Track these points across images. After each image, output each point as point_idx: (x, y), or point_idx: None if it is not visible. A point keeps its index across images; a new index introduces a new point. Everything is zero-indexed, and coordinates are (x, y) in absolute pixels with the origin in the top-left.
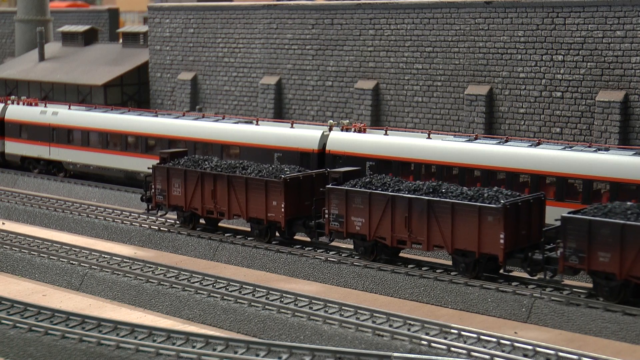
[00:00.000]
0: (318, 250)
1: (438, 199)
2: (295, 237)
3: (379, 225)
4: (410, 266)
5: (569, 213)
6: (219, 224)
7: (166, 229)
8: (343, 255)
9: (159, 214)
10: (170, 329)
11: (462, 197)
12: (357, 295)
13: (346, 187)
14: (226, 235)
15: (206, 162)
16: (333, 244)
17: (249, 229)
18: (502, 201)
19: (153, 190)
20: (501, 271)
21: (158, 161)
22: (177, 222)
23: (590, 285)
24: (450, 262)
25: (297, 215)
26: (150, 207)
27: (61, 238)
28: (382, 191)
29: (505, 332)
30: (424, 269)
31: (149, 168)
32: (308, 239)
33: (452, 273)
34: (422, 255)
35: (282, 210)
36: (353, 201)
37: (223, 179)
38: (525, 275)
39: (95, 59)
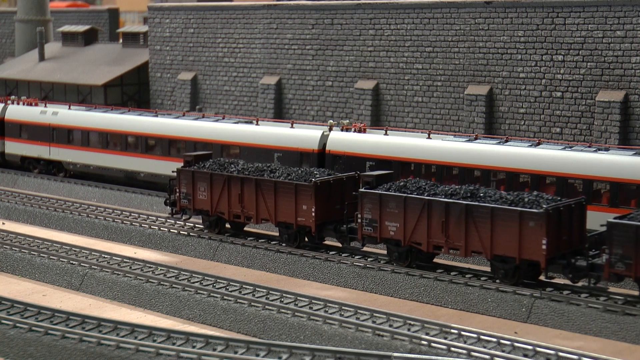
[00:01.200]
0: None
1: (477, 203)
2: (325, 242)
3: (414, 230)
4: (411, 266)
5: (615, 218)
6: (245, 229)
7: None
8: (369, 259)
9: (183, 218)
10: (170, 329)
11: (501, 202)
12: (357, 295)
13: (380, 191)
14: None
15: (232, 165)
16: (364, 249)
17: (274, 233)
18: (544, 206)
19: (177, 193)
20: (541, 277)
21: (182, 164)
22: (202, 226)
23: (636, 292)
24: (488, 268)
25: (327, 219)
26: (174, 211)
27: (61, 238)
28: (418, 195)
29: (505, 332)
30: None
31: (173, 172)
32: (338, 244)
33: (452, 273)
34: (458, 260)
35: (313, 214)
36: (387, 205)
37: (251, 183)
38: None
39: (95, 59)
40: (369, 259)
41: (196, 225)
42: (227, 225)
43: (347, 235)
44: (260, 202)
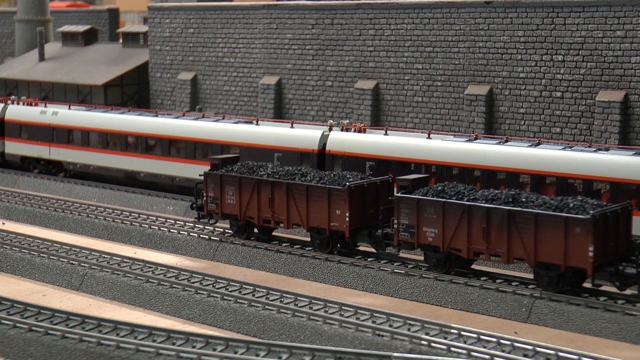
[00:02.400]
0: (382, 262)
1: (520, 209)
2: (359, 247)
3: (453, 236)
4: (410, 266)
5: None
6: (273, 233)
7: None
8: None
9: (210, 222)
10: (170, 329)
11: (545, 207)
12: (357, 295)
13: (417, 196)
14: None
15: (261, 169)
16: (400, 255)
17: (303, 238)
18: (590, 211)
19: (205, 198)
20: (585, 284)
21: (209, 167)
22: (230, 231)
23: None
24: (531, 275)
25: (361, 225)
26: (201, 216)
27: (61, 238)
28: (457, 200)
29: (505, 332)
30: (424, 269)
31: (200, 175)
32: (373, 250)
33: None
34: (497, 267)
35: (347, 219)
36: (425, 211)
37: (281, 187)
38: (527, 275)
39: (95, 59)
40: (383, 262)
41: (196, 226)
42: (255, 230)
43: (383, 241)
44: (291, 206)
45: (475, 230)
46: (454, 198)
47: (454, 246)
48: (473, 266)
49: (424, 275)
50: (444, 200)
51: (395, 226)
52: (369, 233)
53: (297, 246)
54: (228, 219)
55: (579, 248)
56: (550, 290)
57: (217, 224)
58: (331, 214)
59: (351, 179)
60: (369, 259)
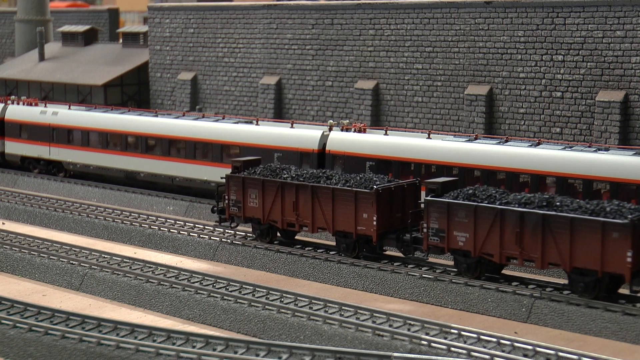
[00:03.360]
0: (347, 255)
1: (555, 213)
2: (386, 252)
3: (485, 241)
4: (410, 266)
5: None
6: (296, 237)
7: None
8: (424, 269)
9: (232, 226)
10: (170, 329)
11: (580, 212)
12: (357, 295)
13: (448, 200)
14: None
15: (284, 171)
16: (426, 259)
17: (326, 242)
18: (628, 216)
19: (227, 201)
20: (621, 290)
21: (231, 170)
22: (253, 235)
23: None
24: (565, 281)
25: (388, 228)
26: (222, 219)
27: (61, 238)
28: (489, 204)
29: (505, 332)
30: (424, 269)
31: (222, 178)
32: (400, 254)
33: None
34: (529, 272)
35: (374, 223)
36: (456, 215)
37: (306, 190)
38: (526, 274)
39: (95, 59)
40: (410, 266)
41: (196, 226)
42: (277, 234)
43: (411, 245)
44: (316, 210)
45: (508, 234)
46: (486, 202)
47: (486, 251)
48: (504, 271)
49: (424, 275)
50: (475, 204)
51: (425, 230)
52: (396, 237)
53: (321, 250)
54: (250, 222)
55: (616, 253)
56: (586, 296)
57: (238, 228)
58: (358, 217)
59: (378, 182)
60: (392, 262)
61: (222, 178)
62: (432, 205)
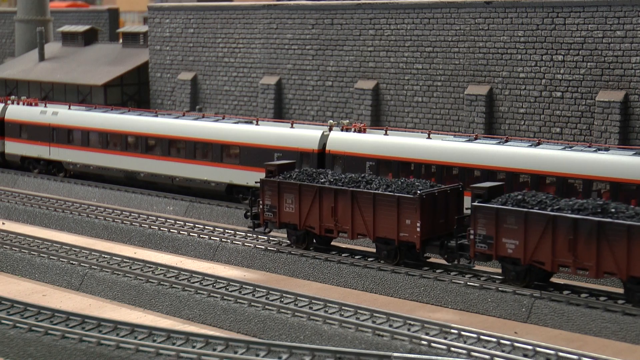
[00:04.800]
0: (346, 255)
1: (611, 220)
2: (428, 259)
3: (536, 248)
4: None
5: None
6: (332, 243)
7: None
8: (451, 273)
9: (266, 231)
10: (170, 329)
11: (638, 218)
12: (357, 295)
13: (496, 206)
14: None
15: (322, 176)
16: (473, 267)
17: (363, 248)
18: None
19: (261, 206)
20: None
21: (264, 174)
22: (289, 241)
23: None
24: (620, 290)
25: (432, 235)
26: (256, 225)
27: (61, 238)
28: (540, 210)
29: (505, 332)
30: (424, 268)
31: (256, 182)
32: (444, 262)
33: (451, 273)
34: (579, 280)
35: (418, 229)
36: (505, 221)
37: (346, 195)
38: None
39: (95, 59)
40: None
41: (196, 226)
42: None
43: (457, 252)
44: (356, 215)
45: (561, 242)
46: (537, 208)
47: (537, 258)
48: (553, 279)
49: (424, 275)
50: (526, 210)
51: (472, 237)
52: (440, 244)
53: (358, 257)
54: (286, 228)
55: None
56: None
57: (272, 233)
58: (400, 223)
59: (420, 187)
60: (436, 270)
61: (256, 182)
62: (480, 211)
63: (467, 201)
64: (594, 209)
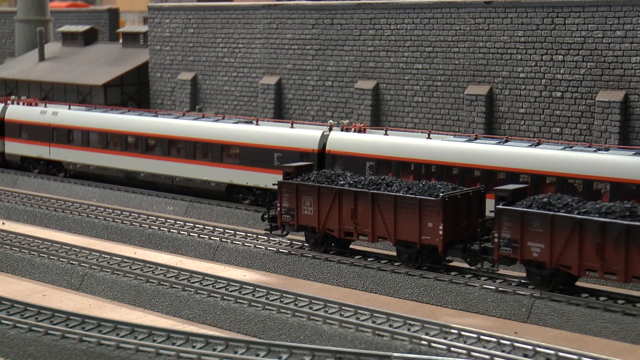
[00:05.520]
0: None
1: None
2: (450, 262)
3: (562, 252)
4: (370, 259)
5: None
6: (351, 246)
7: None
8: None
9: (283, 234)
10: (170, 329)
11: None
12: (357, 295)
13: (522, 208)
14: (372, 260)
15: (340, 178)
16: (497, 271)
17: (384, 251)
18: None
19: (278, 208)
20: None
21: (282, 176)
22: (306, 244)
23: None
24: None
25: (454, 238)
26: (273, 228)
27: (61, 238)
28: (566, 213)
29: (505, 332)
30: (423, 269)
31: (274, 184)
32: (466, 265)
33: (452, 273)
34: (610, 285)
35: (440, 232)
36: (530, 224)
37: (366, 197)
38: (524, 273)
39: (95, 59)
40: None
41: (196, 226)
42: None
43: (481, 255)
44: (377, 218)
45: (588, 245)
46: (563, 211)
47: (563, 262)
48: (578, 283)
49: (424, 275)
50: (552, 213)
51: (496, 240)
52: (463, 247)
53: (371, 259)
54: (304, 231)
55: None
56: None
57: (289, 236)
58: (422, 226)
59: (442, 189)
60: (464, 275)
61: (274, 185)
62: (504, 214)
63: (489, 204)
64: (621, 212)
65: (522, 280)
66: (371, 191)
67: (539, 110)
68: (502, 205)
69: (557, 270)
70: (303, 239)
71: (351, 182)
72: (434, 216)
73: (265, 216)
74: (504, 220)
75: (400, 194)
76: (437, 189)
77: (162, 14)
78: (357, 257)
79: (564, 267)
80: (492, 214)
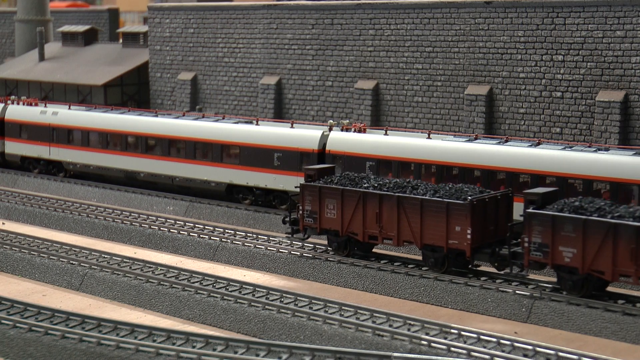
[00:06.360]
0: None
1: None
2: (478, 267)
3: (595, 257)
4: (410, 266)
5: None
6: (373, 250)
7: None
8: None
9: (305, 237)
10: (170, 329)
11: None
12: (357, 295)
13: (553, 212)
14: (396, 264)
15: (364, 180)
16: (527, 276)
17: (407, 255)
18: None
19: (300, 211)
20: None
21: (304, 178)
22: (329, 248)
23: None
24: None
25: (482, 242)
26: (295, 231)
27: (61, 238)
28: (599, 217)
29: (505, 332)
30: (423, 269)
31: (296, 187)
32: (494, 270)
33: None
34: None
35: (468, 236)
36: (562, 229)
37: (391, 200)
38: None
39: (95, 59)
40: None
41: (196, 226)
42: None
43: (510, 260)
44: (402, 222)
45: (622, 250)
46: (595, 215)
47: (596, 268)
48: (610, 289)
49: (424, 275)
50: (585, 217)
51: (527, 244)
52: (492, 251)
53: (398, 263)
54: (327, 234)
55: None
56: None
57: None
58: (450, 230)
59: (470, 193)
60: (495, 280)
61: (296, 187)
62: (535, 218)
63: (516, 207)
64: None
65: (554, 286)
66: (397, 194)
67: (539, 110)
68: (532, 209)
69: (589, 276)
70: (325, 242)
71: (375, 184)
72: (462, 220)
73: (287, 219)
74: (535, 225)
75: (427, 197)
76: (464, 192)
77: (162, 14)
78: (384, 261)
79: (596, 272)
80: (520, 218)
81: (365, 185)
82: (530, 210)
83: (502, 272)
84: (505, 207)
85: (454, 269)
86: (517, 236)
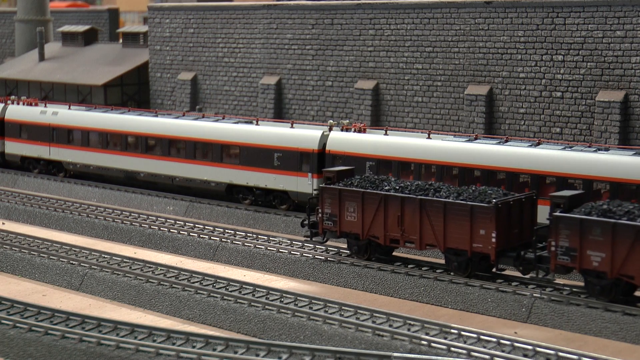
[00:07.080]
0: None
1: None
2: (503, 271)
3: (625, 261)
4: (410, 266)
5: None
6: (394, 253)
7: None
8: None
9: (324, 241)
10: (170, 329)
11: None
12: (357, 295)
13: (581, 216)
14: (410, 266)
15: (385, 183)
16: (553, 280)
17: (428, 259)
18: None
19: (320, 214)
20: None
21: (323, 181)
22: (350, 251)
23: None
24: None
25: (506, 246)
26: (314, 234)
27: (61, 238)
28: (629, 221)
29: (505, 332)
30: (423, 268)
31: (315, 190)
32: (518, 274)
33: (451, 273)
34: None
35: (493, 240)
36: (590, 232)
37: (413, 203)
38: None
39: (95, 59)
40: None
41: (196, 226)
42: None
43: (536, 264)
44: (425, 225)
45: None
46: (625, 218)
47: (625, 272)
48: (638, 293)
49: (424, 275)
50: (614, 221)
51: (554, 248)
52: (516, 255)
53: (412, 266)
54: (347, 237)
55: None
56: None
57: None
58: (474, 234)
59: (494, 195)
60: (527, 285)
61: (315, 190)
62: (562, 222)
63: (540, 210)
64: None
65: (578, 290)
66: (419, 197)
67: (539, 110)
68: (559, 212)
69: (617, 280)
70: (344, 245)
71: (397, 187)
72: (487, 223)
73: (305, 222)
74: (562, 228)
75: (450, 200)
76: (488, 195)
77: (162, 14)
78: (411, 265)
79: (626, 276)
80: (545, 221)
81: (387, 187)
82: (557, 213)
83: (527, 277)
84: (530, 210)
85: (478, 273)
86: (541, 240)
